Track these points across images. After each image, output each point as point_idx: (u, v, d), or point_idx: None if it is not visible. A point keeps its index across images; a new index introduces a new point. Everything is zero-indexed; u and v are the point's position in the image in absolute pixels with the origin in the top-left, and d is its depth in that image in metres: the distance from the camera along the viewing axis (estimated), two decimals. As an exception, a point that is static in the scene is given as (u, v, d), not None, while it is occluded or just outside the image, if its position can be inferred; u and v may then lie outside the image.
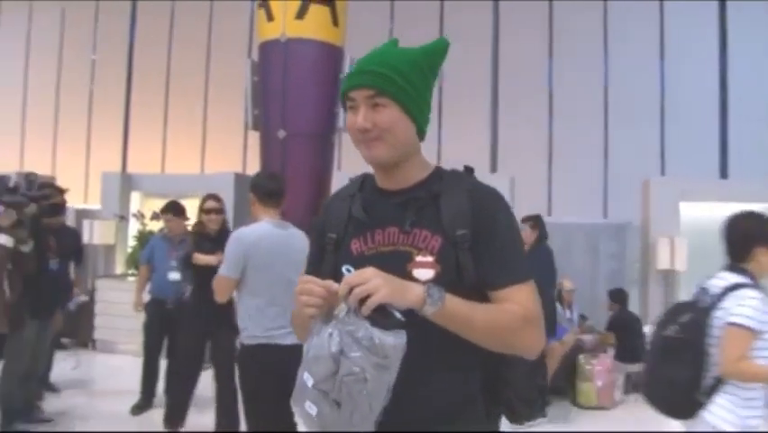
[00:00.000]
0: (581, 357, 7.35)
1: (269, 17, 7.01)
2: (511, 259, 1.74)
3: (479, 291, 1.70)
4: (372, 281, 1.51)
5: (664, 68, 11.18)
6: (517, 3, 11.54)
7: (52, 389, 7.17)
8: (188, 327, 5.69)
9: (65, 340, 9.19)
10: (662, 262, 8.85)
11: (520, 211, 9.26)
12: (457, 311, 1.60)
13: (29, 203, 5.46)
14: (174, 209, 6.73)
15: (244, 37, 12.69)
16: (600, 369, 7.21)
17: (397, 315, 1.52)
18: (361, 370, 1.48)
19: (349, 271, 1.57)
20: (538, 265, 6.44)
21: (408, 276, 1.68)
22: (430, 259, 1.71)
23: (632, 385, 7.75)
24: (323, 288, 1.60)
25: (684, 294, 9.31)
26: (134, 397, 6.77)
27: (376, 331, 1.48)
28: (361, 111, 1.75)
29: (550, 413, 6.79)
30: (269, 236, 4.04)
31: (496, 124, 11.54)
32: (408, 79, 1.74)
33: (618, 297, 8.17)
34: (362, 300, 1.50)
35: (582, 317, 8.44)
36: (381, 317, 1.50)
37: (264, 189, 4.26)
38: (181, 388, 5.76)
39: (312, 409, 1.56)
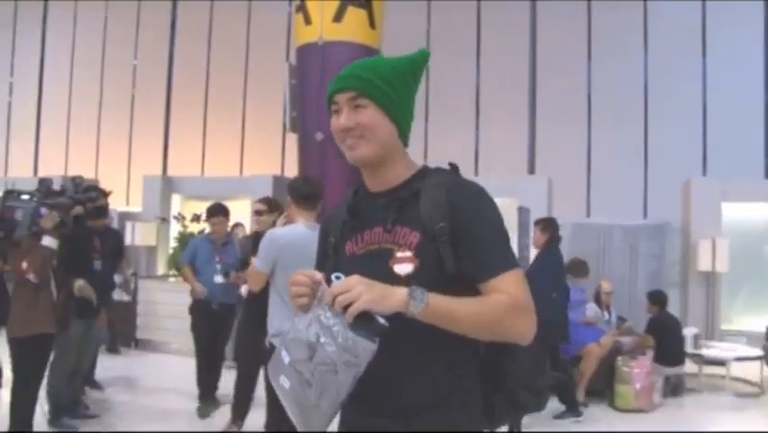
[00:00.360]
0: (619, 359, 7.28)
1: (307, 21, 7.08)
2: (492, 250, 1.77)
3: (462, 282, 1.74)
4: (355, 289, 1.58)
5: (706, 66, 11.08)
6: (555, 3, 11.50)
7: (97, 386, 7.31)
8: (246, 328, 5.84)
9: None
10: (703, 263, 8.82)
11: (558, 212, 9.27)
12: (442, 309, 1.65)
13: (73, 205, 5.49)
14: (224, 211, 6.83)
15: (282, 40, 12.80)
16: (639, 371, 7.14)
17: (381, 320, 1.58)
18: (332, 363, 1.58)
19: (338, 278, 1.63)
20: (544, 268, 6.38)
21: (390, 272, 1.76)
22: (409, 254, 1.77)
23: (671, 388, 7.71)
24: (308, 278, 1.70)
25: (726, 296, 9.26)
26: (177, 394, 6.96)
27: (350, 333, 1.57)
28: (343, 112, 1.83)
29: (587, 415, 6.79)
30: (301, 238, 4.12)
31: (534, 124, 11.49)
32: (389, 83, 1.82)
33: (657, 299, 8.11)
34: (346, 307, 1.58)
35: (621, 319, 8.39)
36: (364, 322, 1.58)
37: (300, 192, 4.37)
38: (242, 388, 5.87)
39: (286, 383, 1.69)
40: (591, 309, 7.77)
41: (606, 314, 8.05)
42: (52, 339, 5.23)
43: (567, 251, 8.63)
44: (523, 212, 8.39)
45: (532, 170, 11.22)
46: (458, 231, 1.75)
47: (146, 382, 8.01)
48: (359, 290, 1.58)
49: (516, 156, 11.28)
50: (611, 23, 11.35)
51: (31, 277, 4.96)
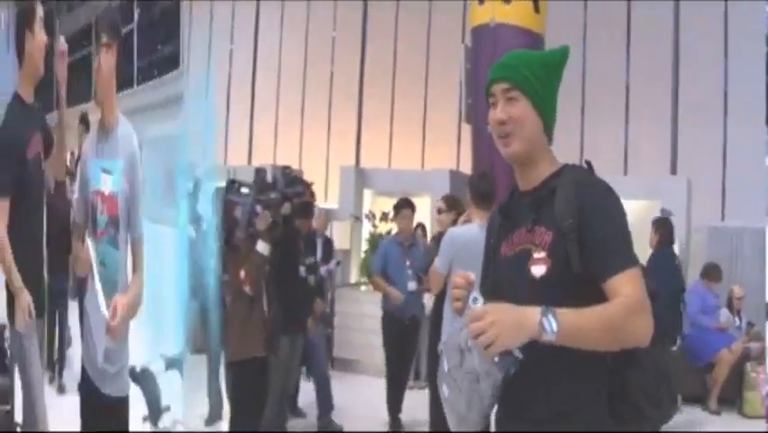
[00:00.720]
0: (748, 365, 7.02)
1: (481, 0, 6.38)
2: (614, 250, 1.65)
3: (588, 281, 1.64)
4: (490, 332, 1.46)
5: None
6: (696, 2, 10.62)
7: (300, 414, 6.10)
8: (437, 338, 4.83)
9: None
10: (830, 268, 8.21)
11: (696, 214, 8.73)
12: (571, 331, 1.52)
13: (283, 202, 4.49)
14: (410, 205, 5.86)
15: (461, 22, 11.58)
16: (765, 377, 6.87)
17: (516, 352, 1.53)
18: (475, 371, 1.57)
19: (475, 300, 1.57)
20: (655, 269, 5.57)
21: (528, 274, 1.69)
22: (543, 255, 1.69)
23: (798, 395, 7.35)
24: (464, 279, 1.63)
25: None
26: (377, 421, 5.94)
27: None
28: (499, 105, 1.75)
29: (717, 423, 6.62)
30: (475, 239, 3.47)
31: (676, 125, 10.83)
32: (539, 78, 1.74)
33: (783, 303, 7.68)
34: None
35: (750, 325, 8.02)
36: (502, 354, 1.53)
37: (477, 190, 4.08)
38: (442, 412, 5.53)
39: (445, 391, 1.66)
40: (724, 315, 7.54)
41: (737, 319, 7.75)
42: (266, 363, 4.22)
43: (704, 254, 8.36)
44: (665, 214, 8.06)
45: (674, 170, 10.65)
46: (584, 230, 1.65)
47: (345, 406, 6.23)
48: (492, 334, 1.46)
49: (659, 156, 10.76)
50: (747, 23, 10.29)
51: (246, 289, 4.09)
